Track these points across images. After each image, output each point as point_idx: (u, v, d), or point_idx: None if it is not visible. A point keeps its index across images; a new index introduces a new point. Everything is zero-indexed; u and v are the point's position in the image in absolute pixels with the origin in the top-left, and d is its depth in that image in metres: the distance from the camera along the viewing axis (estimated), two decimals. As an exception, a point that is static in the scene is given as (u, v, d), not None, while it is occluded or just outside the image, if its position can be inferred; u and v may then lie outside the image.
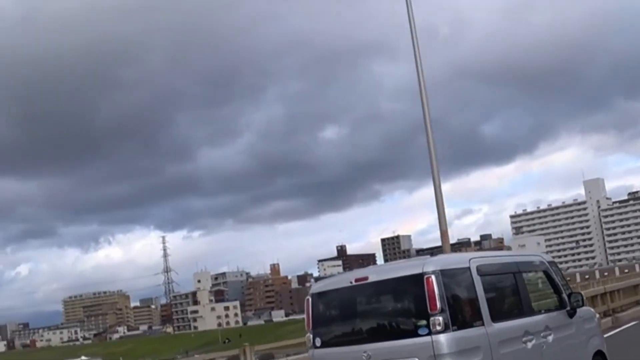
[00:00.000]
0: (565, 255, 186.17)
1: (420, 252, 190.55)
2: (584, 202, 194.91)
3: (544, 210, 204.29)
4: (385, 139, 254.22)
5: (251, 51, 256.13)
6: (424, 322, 5.16)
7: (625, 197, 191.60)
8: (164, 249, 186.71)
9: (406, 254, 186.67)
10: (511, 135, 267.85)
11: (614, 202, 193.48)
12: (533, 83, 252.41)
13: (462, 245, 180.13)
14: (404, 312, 5.86)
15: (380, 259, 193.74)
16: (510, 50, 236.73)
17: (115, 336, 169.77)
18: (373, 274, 6.03)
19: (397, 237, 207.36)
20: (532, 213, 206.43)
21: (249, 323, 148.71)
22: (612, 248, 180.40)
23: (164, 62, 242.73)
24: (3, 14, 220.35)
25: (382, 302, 6.14)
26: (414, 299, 5.52)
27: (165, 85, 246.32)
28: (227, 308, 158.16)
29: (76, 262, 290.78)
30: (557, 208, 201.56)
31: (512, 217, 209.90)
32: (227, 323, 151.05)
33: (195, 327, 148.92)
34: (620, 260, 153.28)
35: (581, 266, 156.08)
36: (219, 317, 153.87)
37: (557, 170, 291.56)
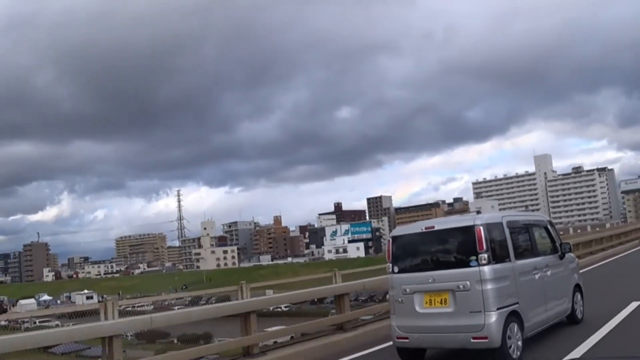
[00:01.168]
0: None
1: (398, 209, 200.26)
2: (533, 174, 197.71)
3: (500, 180, 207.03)
4: (388, 119, 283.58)
5: (283, 46, 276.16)
6: (474, 257, 6.37)
7: (570, 171, 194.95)
8: (179, 201, 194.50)
9: (386, 211, 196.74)
10: (489, 119, 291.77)
11: (558, 175, 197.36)
12: (509, 79, 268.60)
13: (432, 206, 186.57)
14: (459, 250, 6.92)
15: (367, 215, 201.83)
16: (492, 52, 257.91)
17: (137, 271, 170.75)
18: (437, 225, 7.22)
19: (380, 197, 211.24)
20: (490, 181, 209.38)
21: (241, 265, 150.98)
22: (555, 213, 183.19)
23: (213, 52, 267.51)
24: (85, 11, 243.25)
25: (443, 243, 7.21)
26: (467, 242, 6.66)
27: (214, 71, 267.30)
28: (225, 252, 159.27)
29: (141, 209, 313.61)
30: (510, 178, 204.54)
31: (474, 184, 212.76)
32: (225, 264, 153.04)
33: (198, 267, 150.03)
34: (561, 223, 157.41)
35: None
36: (218, 259, 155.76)
37: (524, 149, 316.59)
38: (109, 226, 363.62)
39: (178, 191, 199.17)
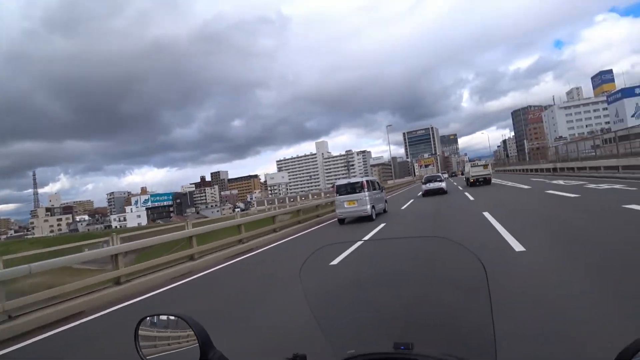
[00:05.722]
0: (303, 183, 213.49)
1: (230, 180, 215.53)
2: (315, 154, 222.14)
3: (294, 158, 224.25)
4: (262, 126, 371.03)
5: (199, 81, 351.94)
6: (362, 190, 16.07)
7: (343, 153, 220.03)
8: (34, 180, 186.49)
9: (222, 179, 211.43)
10: (319, 127, 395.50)
11: (331, 155, 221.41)
12: (331, 104, 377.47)
13: (252, 177, 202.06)
14: (358, 187, 15.88)
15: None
16: (322, 89, 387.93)
17: (3, 237, 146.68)
18: (353, 180, 16.71)
19: (219, 172, 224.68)
20: (287, 159, 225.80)
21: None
22: (328, 179, 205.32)
23: (157, 82, 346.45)
24: (67, 53, 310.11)
25: (353, 185, 16.05)
26: (360, 185, 15.95)
27: (157, 95, 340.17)
28: (60, 220, 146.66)
29: (115, 184, 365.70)
30: (300, 157, 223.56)
31: (277, 161, 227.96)
32: (60, 230, 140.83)
33: (33, 234, 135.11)
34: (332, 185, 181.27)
35: (311, 190, 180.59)
36: (51, 226, 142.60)
37: (339, 145, 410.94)
38: (91, 194, 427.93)
39: (34, 172, 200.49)
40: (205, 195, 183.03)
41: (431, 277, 1.34)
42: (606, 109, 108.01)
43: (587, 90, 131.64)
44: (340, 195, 16.46)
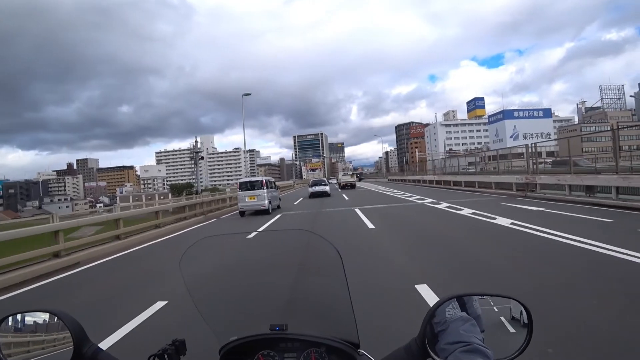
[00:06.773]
0: (184, 179, 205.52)
1: (99, 169, 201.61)
2: (201, 149, 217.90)
3: (175, 151, 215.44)
4: (153, 116, 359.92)
5: (82, 57, 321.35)
6: (262, 187, 17.92)
7: (230, 150, 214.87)
8: None
9: (90, 168, 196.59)
10: (214, 123, 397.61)
11: (217, 151, 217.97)
12: (226, 102, 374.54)
13: (126, 168, 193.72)
14: (258, 185, 17.77)
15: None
16: (218, 85, 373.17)
17: None
18: (254, 179, 18.35)
19: (86, 159, 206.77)
20: (168, 151, 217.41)
21: None
22: (211, 175, 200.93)
23: (29, 49, 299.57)
24: None
25: (254, 183, 17.89)
26: (260, 183, 17.86)
27: (28, 65, 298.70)
28: None
29: None
30: (183, 150, 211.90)
31: (156, 153, 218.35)
32: None
33: None
34: (221, 184, 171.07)
35: (195, 185, 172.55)
36: None
37: (235, 143, 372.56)
38: None
39: None
40: (65, 186, 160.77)
41: (300, 265, 1.44)
42: (480, 130, 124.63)
43: (461, 114, 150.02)
44: (242, 190, 18.57)
